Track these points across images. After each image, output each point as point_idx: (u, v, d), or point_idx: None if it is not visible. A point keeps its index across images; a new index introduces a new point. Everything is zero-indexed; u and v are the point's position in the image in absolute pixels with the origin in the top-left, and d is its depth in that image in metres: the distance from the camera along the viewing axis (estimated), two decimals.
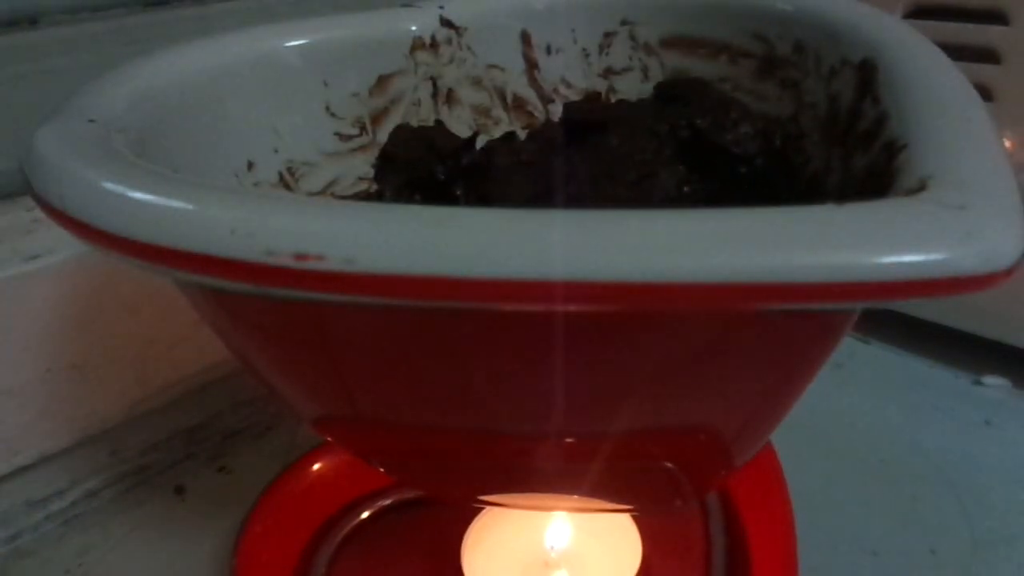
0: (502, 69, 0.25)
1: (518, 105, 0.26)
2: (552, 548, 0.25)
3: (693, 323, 0.12)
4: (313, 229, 0.10)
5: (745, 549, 0.25)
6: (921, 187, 0.11)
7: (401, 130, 0.24)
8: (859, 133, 0.16)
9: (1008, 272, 0.10)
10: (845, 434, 0.33)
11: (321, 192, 0.22)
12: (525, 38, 0.25)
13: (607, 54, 0.25)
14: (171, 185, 0.12)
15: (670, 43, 0.24)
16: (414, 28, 0.24)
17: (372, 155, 0.24)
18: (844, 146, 0.17)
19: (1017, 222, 0.10)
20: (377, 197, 0.23)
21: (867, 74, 0.16)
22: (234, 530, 0.27)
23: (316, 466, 0.29)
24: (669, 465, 0.17)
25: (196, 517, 0.30)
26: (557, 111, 0.26)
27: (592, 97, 0.26)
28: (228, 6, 0.35)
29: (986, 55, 0.31)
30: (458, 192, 0.21)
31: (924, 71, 0.15)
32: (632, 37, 0.25)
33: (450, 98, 0.25)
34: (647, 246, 0.10)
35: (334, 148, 0.23)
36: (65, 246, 0.27)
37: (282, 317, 0.13)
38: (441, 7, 0.24)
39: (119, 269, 0.28)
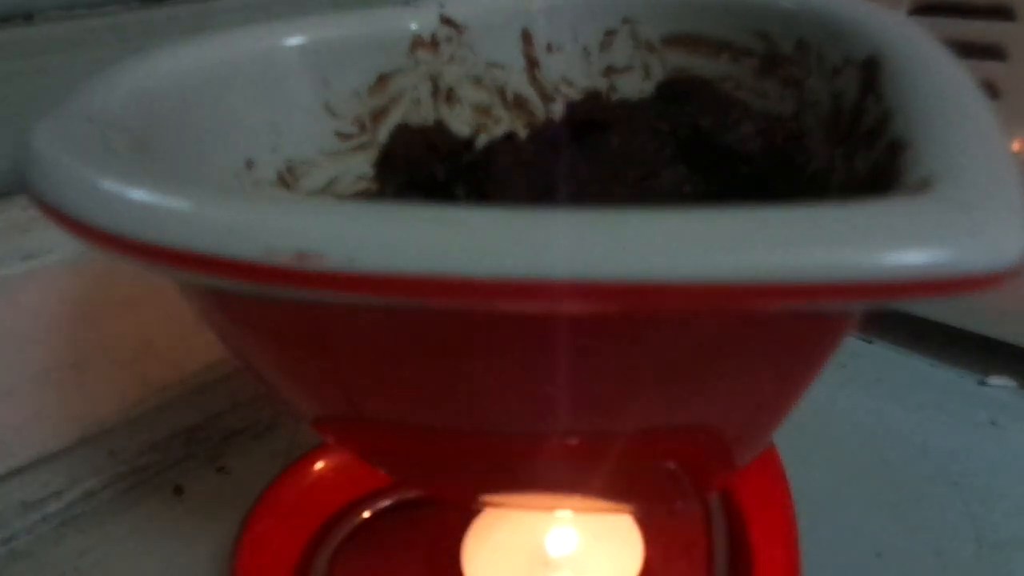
0: (503, 68, 0.25)
1: (519, 104, 0.26)
2: (553, 549, 0.25)
3: (695, 323, 0.12)
4: (313, 229, 0.10)
5: (747, 550, 0.25)
6: (925, 186, 0.11)
7: (401, 130, 0.24)
8: (862, 131, 0.16)
9: (1013, 272, 0.10)
10: (848, 434, 0.33)
11: (321, 191, 0.22)
12: (526, 36, 0.25)
13: (608, 53, 0.25)
14: (170, 184, 0.12)
15: (671, 41, 0.24)
16: (414, 26, 0.24)
17: (372, 154, 0.23)
18: (847, 145, 0.17)
19: (1022, 221, 0.10)
20: (377, 196, 0.23)
21: (870, 72, 0.16)
22: (234, 530, 0.27)
23: (316, 466, 0.29)
24: (671, 465, 0.17)
25: (195, 517, 0.30)
26: (558, 110, 0.26)
27: (593, 96, 0.26)
28: (227, 4, 0.35)
29: (992, 52, 0.31)
30: (458, 192, 0.21)
31: (928, 69, 0.15)
32: (633, 35, 0.25)
33: (450, 97, 0.25)
34: (648, 246, 0.10)
35: (334, 147, 0.23)
36: (62, 245, 0.27)
37: (282, 317, 0.13)
38: (441, 5, 0.24)
39: (117, 268, 0.28)
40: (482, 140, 0.24)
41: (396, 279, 0.10)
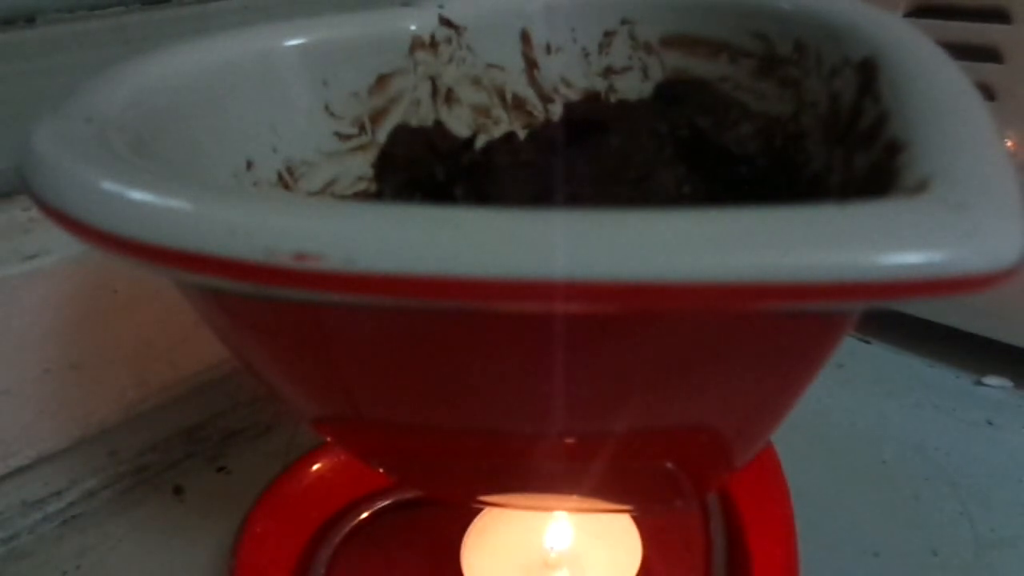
0: (502, 68, 0.25)
1: (518, 105, 0.26)
2: (552, 548, 0.25)
3: (693, 323, 0.12)
4: (313, 229, 0.10)
5: (746, 549, 0.25)
6: (922, 187, 0.11)
7: (401, 130, 0.24)
8: (860, 132, 0.16)
9: (1010, 272, 0.10)
10: (846, 434, 0.33)
11: (320, 192, 0.22)
12: (525, 37, 0.25)
13: (607, 53, 0.25)
14: (170, 185, 0.12)
15: (670, 42, 0.24)
16: (413, 27, 0.24)
17: (372, 155, 0.23)
18: (845, 145, 0.17)
19: (1019, 222, 0.10)
20: (377, 197, 0.23)
21: (868, 73, 0.16)
22: (233, 530, 0.27)
23: (316, 466, 0.29)
24: (669, 465, 0.17)
25: (195, 517, 0.30)
26: (557, 111, 0.26)
27: (592, 97, 0.26)
28: (227, 5, 0.35)
29: (988, 54, 0.31)
30: (458, 192, 0.21)
31: (925, 70, 0.15)
32: (632, 36, 0.25)
33: (449, 98, 0.25)
34: (647, 246, 0.10)
35: (333, 148, 0.23)
36: (63, 245, 0.27)
37: (282, 317, 0.13)
38: (440, 6, 0.24)
39: (117, 269, 0.28)
40: (481, 141, 0.25)
41: (395, 279, 0.10)
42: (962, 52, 0.32)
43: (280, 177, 0.21)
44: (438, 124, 0.24)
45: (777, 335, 0.13)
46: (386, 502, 0.28)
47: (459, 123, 0.25)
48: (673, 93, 0.23)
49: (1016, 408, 0.34)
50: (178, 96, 0.18)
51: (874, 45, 0.17)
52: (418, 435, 0.16)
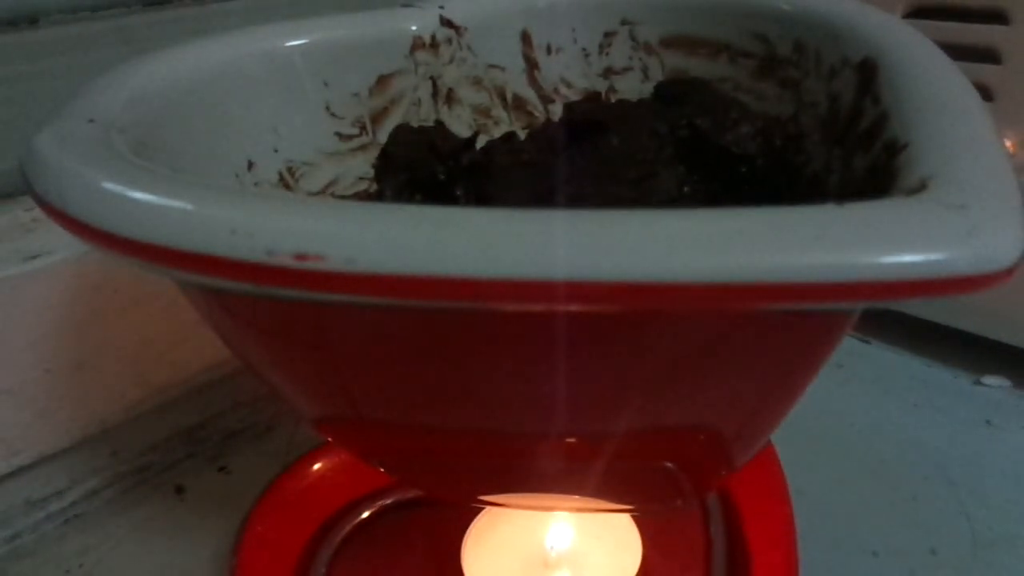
0: (502, 69, 0.25)
1: (518, 105, 0.26)
2: (552, 548, 0.25)
3: (693, 323, 0.12)
4: (313, 229, 0.10)
5: (745, 549, 0.25)
6: (921, 187, 0.11)
7: (401, 130, 0.24)
8: (859, 133, 0.16)
9: (1008, 272, 0.10)
10: (845, 434, 0.33)
11: (321, 192, 0.22)
12: (525, 38, 0.25)
13: (607, 54, 0.25)
14: (171, 185, 0.12)
15: (670, 43, 0.24)
16: (414, 28, 0.24)
17: (372, 155, 0.24)
18: (844, 146, 0.17)
19: (1017, 222, 0.10)
20: (377, 197, 0.23)
21: (867, 74, 0.16)
22: (234, 530, 0.27)
23: (316, 466, 0.29)
24: (669, 465, 0.17)
25: (196, 517, 0.30)
26: (557, 111, 0.26)
27: (592, 97, 0.26)
28: (228, 6, 0.35)
29: (986, 55, 0.32)
30: (458, 192, 0.21)
31: (924, 71, 0.15)
32: (632, 37, 0.25)
33: (450, 98, 0.25)
34: (647, 246, 0.10)
35: (334, 148, 0.23)
36: (65, 246, 0.27)
37: (282, 317, 0.13)
38: (441, 7, 0.24)
39: (119, 269, 0.28)
40: (482, 141, 0.25)
41: (396, 279, 0.10)
42: (961, 53, 0.32)
43: (281, 177, 0.21)
44: (439, 124, 0.24)
45: (777, 335, 0.13)
46: (386, 502, 0.28)
47: (459, 123, 0.25)
48: (673, 93, 0.23)
49: (1014, 408, 0.34)
50: (180, 97, 0.18)
51: (873, 46, 0.17)
52: (419, 435, 0.16)
